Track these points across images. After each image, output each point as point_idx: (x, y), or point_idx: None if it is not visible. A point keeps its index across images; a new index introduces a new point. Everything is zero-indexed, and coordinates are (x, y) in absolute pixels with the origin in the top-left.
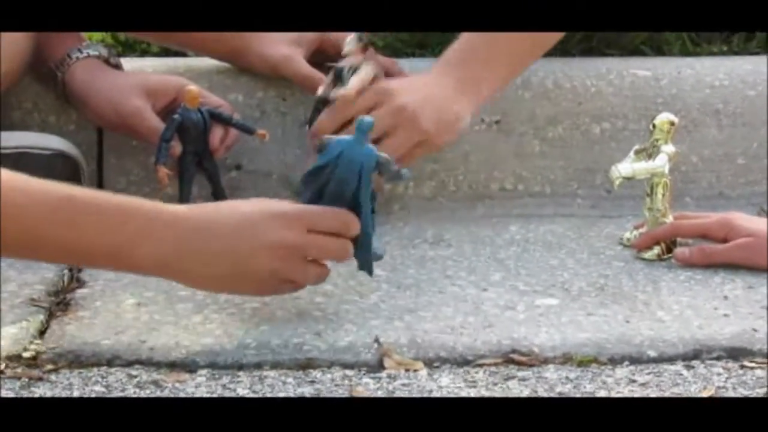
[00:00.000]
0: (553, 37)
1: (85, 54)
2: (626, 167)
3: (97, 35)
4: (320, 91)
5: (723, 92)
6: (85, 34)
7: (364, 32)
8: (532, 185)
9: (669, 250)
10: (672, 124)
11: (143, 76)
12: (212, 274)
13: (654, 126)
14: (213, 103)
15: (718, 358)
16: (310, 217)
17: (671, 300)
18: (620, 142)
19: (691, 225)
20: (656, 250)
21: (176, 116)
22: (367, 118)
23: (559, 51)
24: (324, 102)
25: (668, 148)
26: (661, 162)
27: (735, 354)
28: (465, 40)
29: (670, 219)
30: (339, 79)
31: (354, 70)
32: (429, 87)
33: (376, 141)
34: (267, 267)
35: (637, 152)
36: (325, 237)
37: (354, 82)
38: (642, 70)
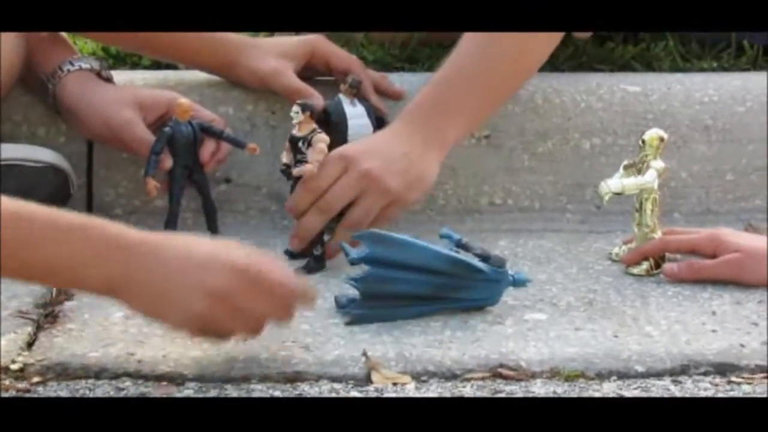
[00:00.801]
0: (519, 80)
1: (77, 67)
2: (616, 182)
3: (88, 48)
4: (283, 158)
5: (712, 108)
6: (77, 47)
7: (306, 102)
8: (521, 200)
9: (658, 265)
10: (661, 139)
11: (135, 90)
12: (151, 304)
13: (643, 141)
14: (205, 117)
15: (705, 374)
16: (257, 273)
17: (659, 315)
18: (610, 157)
19: (680, 240)
20: (645, 265)
21: (167, 129)
22: None
23: (549, 66)
24: (286, 170)
25: (657, 164)
26: (650, 177)
27: (722, 369)
28: (426, 92)
29: (659, 234)
30: (295, 150)
31: (308, 141)
32: (392, 146)
33: (344, 210)
34: (195, 310)
35: (626, 167)
36: (264, 298)
37: (313, 156)
38: (632, 85)
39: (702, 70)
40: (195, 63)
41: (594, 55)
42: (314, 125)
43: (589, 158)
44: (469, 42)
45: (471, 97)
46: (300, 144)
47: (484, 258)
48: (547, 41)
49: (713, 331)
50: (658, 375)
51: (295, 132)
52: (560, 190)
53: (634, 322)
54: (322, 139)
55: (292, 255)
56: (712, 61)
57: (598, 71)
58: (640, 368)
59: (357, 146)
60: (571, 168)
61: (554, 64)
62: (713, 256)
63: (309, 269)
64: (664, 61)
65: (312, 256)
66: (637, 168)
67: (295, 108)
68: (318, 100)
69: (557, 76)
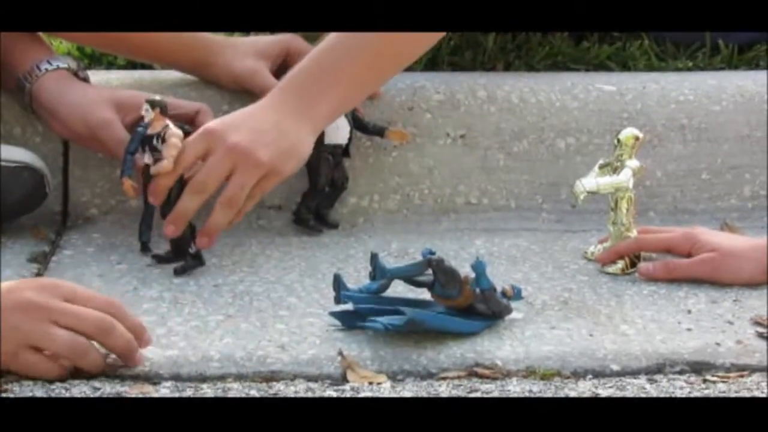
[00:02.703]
0: (404, 57)
1: (54, 66)
2: (590, 182)
3: (63, 48)
4: (144, 158)
5: (688, 107)
6: (53, 46)
7: (155, 98)
8: (497, 199)
9: (633, 264)
10: (636, 139)
11: (113, 90)
12: None
13: (619, 141)
14: (187, 108)
15: (681, 372)
16: (70, 288)
17: (635, 314)
18: (585, 157)
19: (656, 239)
20: (620, 264)
21: (140, 129)
22: None
23: (525, 66)
24: (146, 170)
25: (633, 163)
26: (625, 177)
27: (698, 368)
28: (300, 66)
29: (634, 233)
30: (151, 148)
31: (162, 137)
32: (261, 117)
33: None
34: (9, 324)
35: (601, 167)
36: (77, 309)
37: (167, 152)
38: (607, 84)
39: (677, 69)
40: (170, 62)
41: (569, 55)
42: (166, 121)
43: (564, 157)
44: None
45: (346, 72)
46: (154, 142)
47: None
48: None
49: (688, 329)
50: (634, 374)
51: (148, 131)
52: (536, 190)
53: (609, 321)
54: (174, 133)
55: (159, 259)
56: (687, 60)
57: (574, 71)
58: (615, 367)
59: (223, 120)
60: (546, 167)
61: (530, 63)
62: (689, 255)
63: (185, 269)
64: (639, 60)
65: (188, 255)
66: (613, 167)
67: (145, 106)
68: None
69: (533, 76)
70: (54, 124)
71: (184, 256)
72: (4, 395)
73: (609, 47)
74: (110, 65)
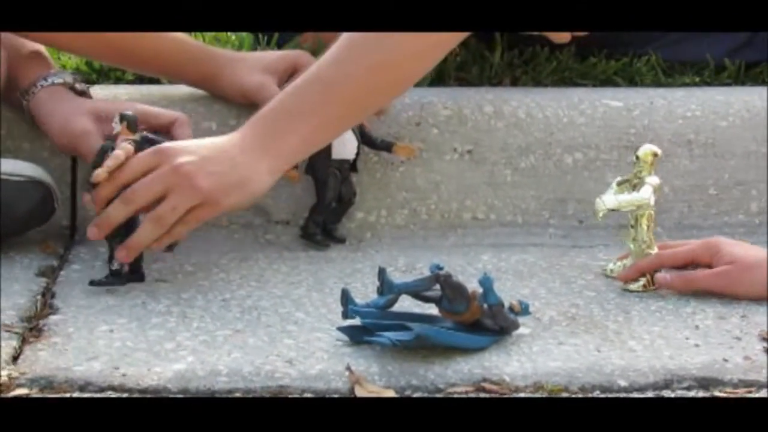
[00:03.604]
0: (380, 96)
1: (50, 82)
2: (611, 199)
3: (72, 63)
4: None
5: (695, 123)
6: (54, 62)
7: (126, 113)
8: (504, 214)
9: (654, 281)
10: (655, 155)
11: (94, 101)
12: None
13: (637, 157)
14: (164, 118)
15: (688, 388)
16: None
17: (642, 329)
18: (592, 172)
19: (677, 254)
20: (642, 281)
21: (105, 144)
22: None
23: (532, 81)
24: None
25: (653, 180)
26: (646, 194)
27: (705, 384)
28: (277, 99)
29: (655, 250)
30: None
31: (113, 149)
32: (220, 147)
33: (149, 206)
34: None
35: (619, 184)
36: None
37: (107, 162)
38: (614, 100)
39: (684, 84)
40: (178, 75)
41: (576, 70)
42: (130, 136)
43: (571, 173)
44: (330, 53)
45: (321, 108)
46: (109, 153)
47: (505, 328)
48: (415, 60)
49: (696, 345)
50: (641, 389)
51: (107, 142)
52: (543, 205)
53: (616, 337)
54: (122, 146)
55: (92, 282)
56: (694, 76)
57: (581, 86)
58: (623, 382)
59: (181, 143)
60: (553, 183)
61: (537, 79)
62: (710, 265)
63: (101, 282)
64: (646, 75)
65: (109, 271)
66: (632, 184)
67: (116, 119)
68: None
69: (540, 91)
70: (49, 137)
71: (138, 275)
72: (3, 395)
73: (616, 63)
74: (118, 80)
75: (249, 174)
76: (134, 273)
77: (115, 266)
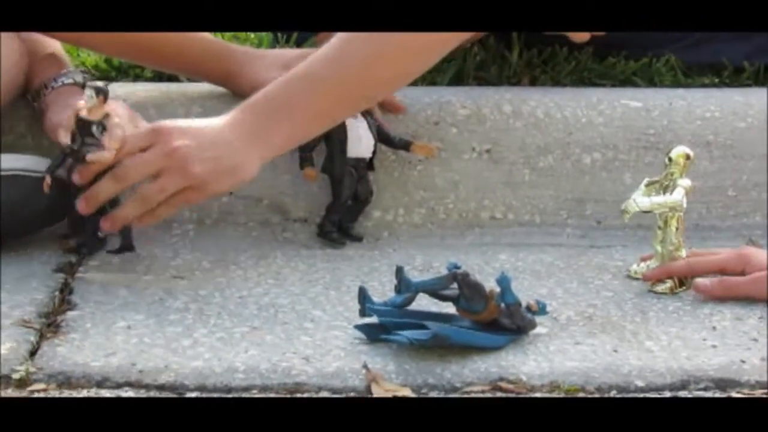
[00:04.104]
0: (371, 91)
1: (59, 83)
2: (644, 201)
3: (91, 60)
4: (64, 138)
5: (714, 124)
6: (74, 59)
7: (100, 85)
8: (522, 214)
9: (681, 283)
10: (687, 157)
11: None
12: None
13: (670, 159)
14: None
15: (705, 389)
16: None
17: (659, 330)
18: (611, 173)
19: (708, 262)
20: (669, 283)
21: (68, 150)
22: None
23: (550, 81)
24: (73, 153)
25: (685, 182)
26: (678, 196)
27: (722, 385)
28: (270, 88)
29: (683, 252)
30: (88, 132)
31: (102, 126)
32: (214, 131)
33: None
34: None
35: (648, 185)
36: None
37: (111, 144)
38: (633, 100)
39: (703, 85)
40: (199, 73)
41: (595, 70)
42: (107, 110)
43: (590, 173)
44: (324, 48)
45: (312, 101)
46: (93, 128)
47: (522, 328)
48: (408, 57)
49: (713, 346)
50: (658, 390)
51: (84, 114)
52: (561, 205)
53: (634, 337)
54: (118, 125)
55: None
56: (713, 76)
57: (600, 86)
58: (639, 383)
59: (177, 124)
60: (571, 183)
61: (556, 78)
62: (742, 274)
63: (86, 248)
64: (665, 76)
65: (94, 237)
66: (663, 186)
67: (89, 92)
68: None
69: (558, 91)
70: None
71: (129, 246)
72: (21, 390)
73: (635, 63)
74: (137, 77)
75: (242, 161)
76: (125, 241)
77: (102, 234)
